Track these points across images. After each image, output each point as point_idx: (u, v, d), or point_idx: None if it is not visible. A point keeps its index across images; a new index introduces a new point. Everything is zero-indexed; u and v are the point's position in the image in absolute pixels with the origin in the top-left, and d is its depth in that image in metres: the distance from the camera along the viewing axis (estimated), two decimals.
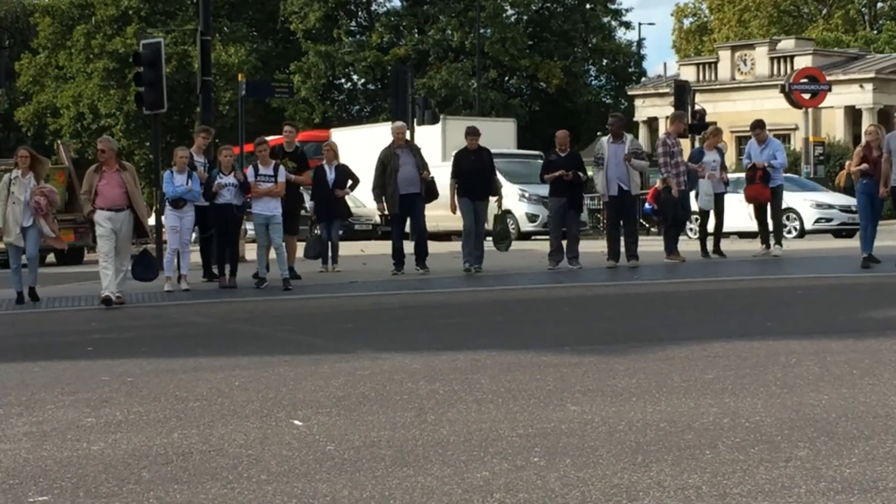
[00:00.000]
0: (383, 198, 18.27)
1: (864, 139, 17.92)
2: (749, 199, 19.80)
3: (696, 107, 35.60)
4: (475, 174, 18.11)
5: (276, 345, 11.05)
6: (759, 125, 19.73)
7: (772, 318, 11.74)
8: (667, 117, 30.90)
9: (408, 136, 19.02)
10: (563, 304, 14.22)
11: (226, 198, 16.72)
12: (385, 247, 20.73)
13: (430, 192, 18.42)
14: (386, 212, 18.75)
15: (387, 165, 18.11)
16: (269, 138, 19.23)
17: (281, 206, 16.94)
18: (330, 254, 19.61)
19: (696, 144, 28.26)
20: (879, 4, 73.66)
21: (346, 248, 22.34)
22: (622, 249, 18.39)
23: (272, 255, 17.23)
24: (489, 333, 11.50)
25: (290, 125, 19.75)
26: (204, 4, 22.32)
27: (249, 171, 17.05)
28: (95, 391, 8.55)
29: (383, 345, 10.61)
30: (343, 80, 62.45)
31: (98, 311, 14.62)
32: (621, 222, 18.49)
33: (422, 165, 18.30)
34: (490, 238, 19.96)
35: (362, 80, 61.58)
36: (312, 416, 7.28)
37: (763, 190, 19.38)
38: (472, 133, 18.51)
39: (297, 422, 7.14)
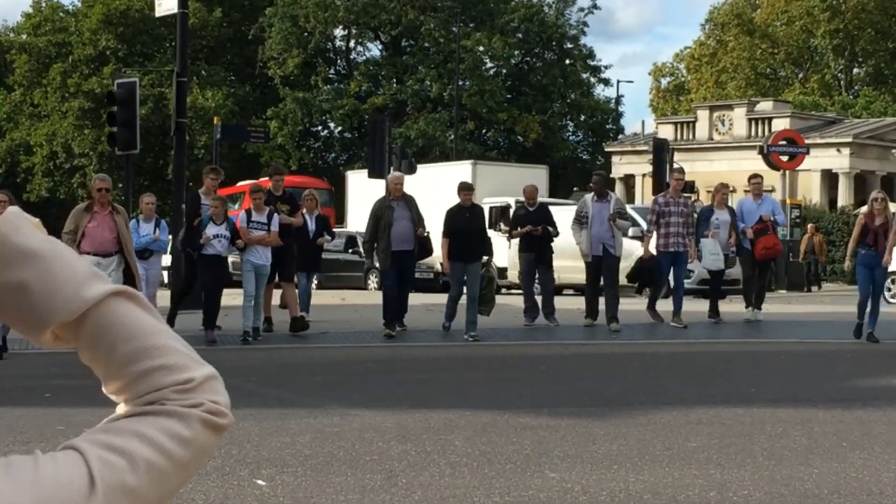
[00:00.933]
0: (374, 253, 16.90)
1: (868, 206, 16.73)
2: (761, 254, 18.44)
3: (675, 165, 35.48)
4: (469, 234, 16.62)
5: (242, 397, 10.62)
6: (757, 176, 19.16)
7: (755, 384, 11.43)
8: (644, 175, 30.82)
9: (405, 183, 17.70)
10: (539, 362, 13.87)
11: (216, 249, 15.52)
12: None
13: (424, 249, 17.45)
14: (377, 265, 17.49)
15: (380, 218, 16.59)
16: (251, 181, 19.21)
17: (272, 254, 16.10)
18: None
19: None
20: (855, 70, 74.24)
21: (328, 298, 21.93)
22: (601, 308, 17.92)
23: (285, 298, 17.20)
24: (463, 391, 11.14)
25: (279, 172, 19.06)
26: (181, 45, 22.04)
27: (241, 215, 16.29)
28: (50, 441, 8.13)
29: (354, 400, 10.23)
30: (320, 128, 62.22)
31: (60, 356, 14.15)
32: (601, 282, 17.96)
33: (417, 220, 16.87)
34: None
35: (339, 129, 61.39)
36: (277, 476, 6.91)
37: (777, 242, 18.68)
38: (466, 188, 17.14)
39: (260, 482, 6.78)
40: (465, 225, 16.58)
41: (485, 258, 17.16)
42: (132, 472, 1.24)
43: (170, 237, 18.30)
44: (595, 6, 62.55)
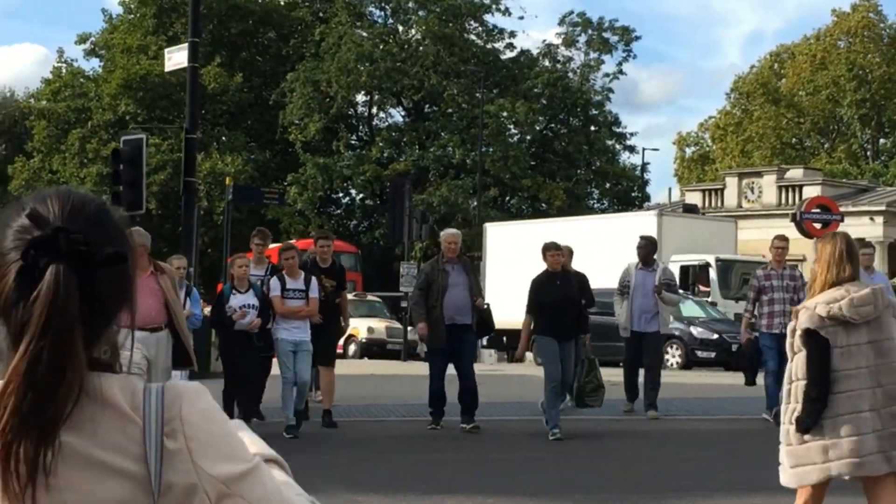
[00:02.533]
0: (425, 324, 13.69)
1: None
2: None
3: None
4: (561, 307, 13.10)
5: None
6: (870, 245, 16.44)
7: None
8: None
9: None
10: (570, 439, 12.58)
11: (245, 323, 12.79)
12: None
13: (484, 324, 14.37)
14: (423, 341, 14.51)
15: (432, 284, 13.74)
16: (278, 244, 16.17)
17: (310, 329, 13.12)
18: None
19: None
20: (882, 140, 73.44)
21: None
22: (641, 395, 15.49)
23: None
24: (485, 473, 9.91)
25: (326, 237, 15.03)
26: (191, 102, 21.09)
27: (274, 283, 13.15)
28: None
29: (362, 483, 9.02)
30: (341, 195, 61.40)
31: None
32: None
33: (476, 289, 14.10)
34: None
35: (361, 195, 60.53)
36: None
37: None
38: (553, 248, 13.47)
39: None
40: (555, 295, 13.19)
41: (583, 336, 14.21)
42: None
43: (205, 310, 15.33)
44: (621, 71, 61.75)
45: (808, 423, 5.77)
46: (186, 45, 21.01)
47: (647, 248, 15.53)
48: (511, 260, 31.48)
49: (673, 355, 26.29)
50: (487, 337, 16.32)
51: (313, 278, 13.20)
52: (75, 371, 1.72)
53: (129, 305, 1.84)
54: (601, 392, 14.09)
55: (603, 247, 26.90)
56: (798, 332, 5.93)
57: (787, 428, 5.90)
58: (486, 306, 14.58)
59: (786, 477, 5.95)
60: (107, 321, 1.81)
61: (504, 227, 38.09)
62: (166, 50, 22.21)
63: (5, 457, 1.68)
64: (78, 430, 1.71)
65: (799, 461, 5.84)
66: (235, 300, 12.81)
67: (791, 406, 5.89)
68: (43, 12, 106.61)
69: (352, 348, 37.13)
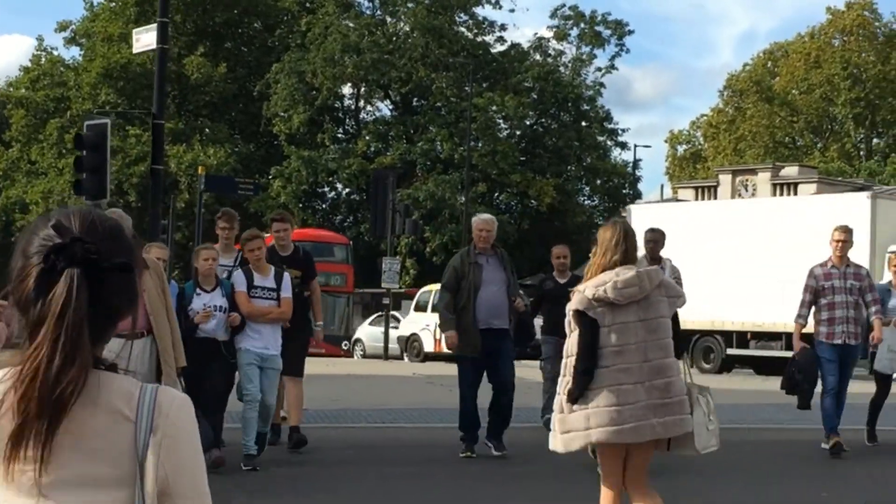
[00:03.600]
0: (454, 332, 11.68)
1: None
2: None
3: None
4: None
5: None
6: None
7: (828, 485, 9.04)
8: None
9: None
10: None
11: (210, 327, 10.45)
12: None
13: (525, 331, 12.46)
14: (453, 350, 12.07)
15: (462, 280, 11.70)
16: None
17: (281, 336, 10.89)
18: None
19: None
20: (875, 140, 72.98)
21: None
22: None
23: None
24: (459, 491, 8.75)
25: (281, 218, 12.37)
26: (159, 85, 19.82)
27: (238, 277, 10.77)
28: None
29: (317, 501, 7.86)
30: (327, 189, 60.30)
31: None
32: None
33: (514, 287, 12.06)
34: None
35: (346, 190, 59.43)
36: None
37: None
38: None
39: None
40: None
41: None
42: None
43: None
44: (613, 66, 60.86)
45: (576, 395, 6.24)
46: (155, 25, 19.83)
47: (658, 242, 12.58)
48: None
49: None
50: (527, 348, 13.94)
51: (286, 275, 10.89)
52: (83, 363, 2.06)
53: (133, 313, 2.21)
54: None
55: (801, 232, 23.56)
56: (570, 313, 6.49)
57: (561, 398, 6.35)
58: (525, 308, 12.25)
59: (555, 442, 6.43)
60: (112, 323, 2.17)
61: (647, 207, 33.46)
62: (134, 31, 21.01)
63: (19, 433, 2.03)
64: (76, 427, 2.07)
65: (565, 428, 6.31)
66: (199, 301, 10.38)
67: (566, 379, 6.33)
68: (27, 1, 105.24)
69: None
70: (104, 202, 19.52)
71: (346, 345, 38.50)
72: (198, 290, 10.42)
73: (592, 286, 6.38)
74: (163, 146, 20.13)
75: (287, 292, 10.76)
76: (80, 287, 2.05)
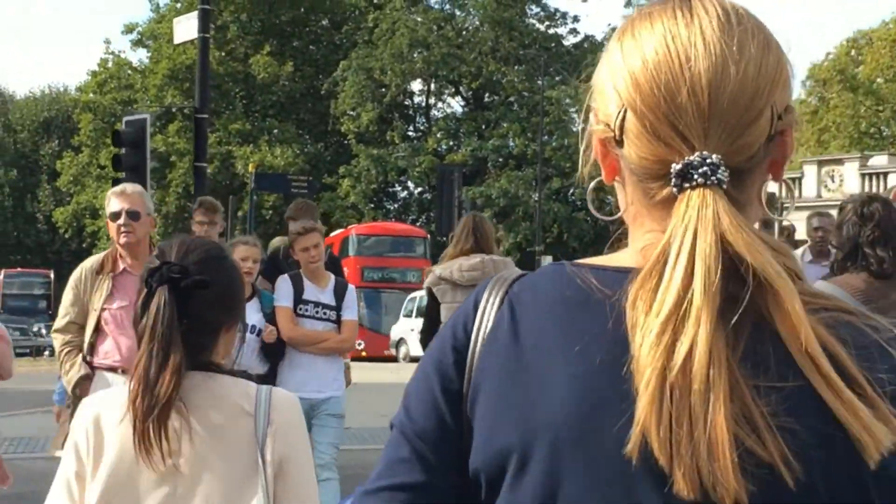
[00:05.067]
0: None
1: None
2: None
3: (783, 223, 31.36)
4: None
5: None
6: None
7: None
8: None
9: None
10: None
11: (244, 357, 7.45)
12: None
13: None
14: None
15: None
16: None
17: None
18: None
19: None
20: None
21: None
22: None
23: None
24: None
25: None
26: (201, 77, 18.50)
27: (283, 286, 7.91)
28: None
29: None
30: (398, 188, 59.18)
31: None
32: None
33: None
34: None
35: (418, 189, 58.23)
36: None
37: None
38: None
39: None
40: None
41: None
42: None
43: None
44: None
45: None
46: (196, 13, 18.54)
47: (827, 235, 9.50)
48: None
49: None
50: None
51: (350, 287, 8.17)
52: (174, 367, 2.45)
53: (234, 323, 2.70)
54: None
55: None
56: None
57: None
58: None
59: None
60: (211, 332, 2.61)
61: None
62: (175, 19, 19.73)
63: (140, 428, 2.45)
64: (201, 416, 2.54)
65: None
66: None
67: None
68: (93, 5, 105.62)
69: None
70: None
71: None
72: None
73: (442, 267, 7.16)
74: (206, 142, 18.95)
75: (351, 312, 7.94)
76: (168, 303, 2.46)
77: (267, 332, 7.59)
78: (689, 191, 1.36)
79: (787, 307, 1.29)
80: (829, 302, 1.36)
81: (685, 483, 1.25)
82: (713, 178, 1.36)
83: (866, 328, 1.34)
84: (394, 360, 34.10)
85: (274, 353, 7.69)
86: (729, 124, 1.37)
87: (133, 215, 6.50)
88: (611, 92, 1.46)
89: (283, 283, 7.85)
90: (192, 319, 2.48)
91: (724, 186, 1.37)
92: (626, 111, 1.43)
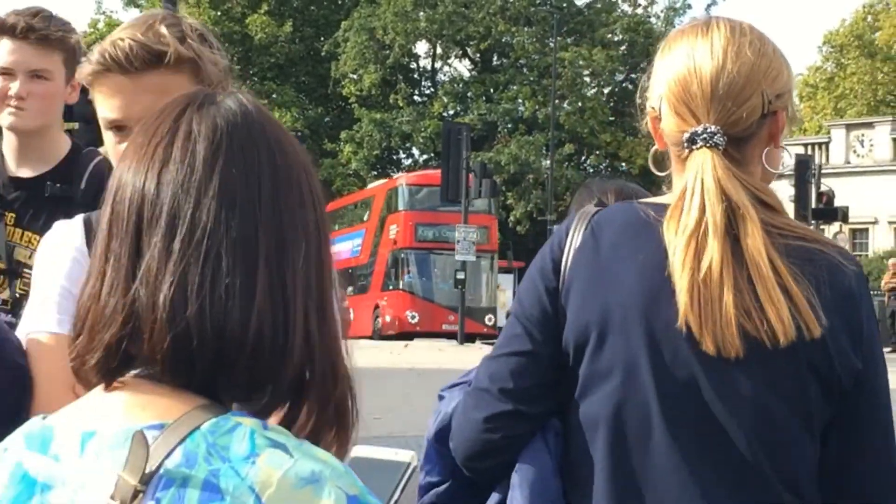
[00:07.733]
0: None
1: None
2: None
3: (822, 188, 29.19)
4: None
5: None
6: None
7: None
8: None
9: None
10: None
11: None
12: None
13: None
14: None
15: None
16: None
17: None
18: None
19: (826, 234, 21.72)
20: None
21: None
22: None
23: None
24: None
25: None
26: None
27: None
28: None
29: None
30: (402, 154, 57.92)
31: None
32: None
33: None
34: None
35: (423, 156, 56.83)
36: None
37: None
38: None
39: None
40: None
41: None
42: None
43: None
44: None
45: None
46: None
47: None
48: None
49: None
50: None
51: None
52: None
53: None
54: None
55: None
56: None
57: None
58: None
59: None
60: None
61: None
62: None
63: None
64: None
65: None
66: None
67: None
68: None
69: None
70: None
71: (490, 319, 33.58)
72: None
73: None
74: None
75: None
76: None
77: None
78: (695, 151, 2.05)
79: (748, 227, 1.98)
80: (798, 231, 2.05)
81: (710, 342, 1.96)
82: (711, 141, 2.04)
83: (815, 248, 2.03)
84: (492, 336, 28.15)
85: None
86: (726, 105, 2.05)
87: None
88: (655, 89, 2.16)
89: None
90: None
91: (721, 148, 2.05)
92: (662, 99, 2.12)
